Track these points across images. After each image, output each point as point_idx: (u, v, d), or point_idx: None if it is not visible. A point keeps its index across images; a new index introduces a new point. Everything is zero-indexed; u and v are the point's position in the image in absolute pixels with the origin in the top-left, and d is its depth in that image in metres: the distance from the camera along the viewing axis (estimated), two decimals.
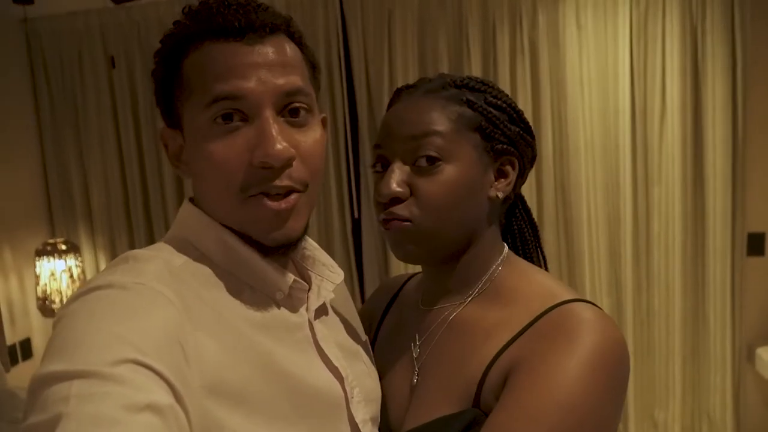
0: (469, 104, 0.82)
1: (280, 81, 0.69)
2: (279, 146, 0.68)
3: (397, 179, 0.80)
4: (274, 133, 0.68)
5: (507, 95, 0.87)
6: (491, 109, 0.83)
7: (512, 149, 0.85)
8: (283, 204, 0.71)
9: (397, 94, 0.89)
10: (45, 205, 2.95)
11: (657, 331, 2.60)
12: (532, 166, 0.91)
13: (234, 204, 0.71)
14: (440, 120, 0.80)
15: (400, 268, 2.72)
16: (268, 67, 0.69)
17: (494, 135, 0.83)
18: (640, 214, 2.60)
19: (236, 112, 0.69)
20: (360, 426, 0.77)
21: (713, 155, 2.48)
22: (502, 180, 0.85)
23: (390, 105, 0.90)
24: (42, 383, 0.53)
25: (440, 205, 0.79)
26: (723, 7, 2.41)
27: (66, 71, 2.86)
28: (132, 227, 2.93)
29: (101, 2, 2.69)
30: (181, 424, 0.56)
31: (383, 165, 0.85)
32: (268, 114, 0.69)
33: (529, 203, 0.95)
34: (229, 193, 0.70)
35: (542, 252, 0.96)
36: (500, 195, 0.85)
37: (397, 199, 0.81)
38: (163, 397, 0.55)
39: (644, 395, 2.65)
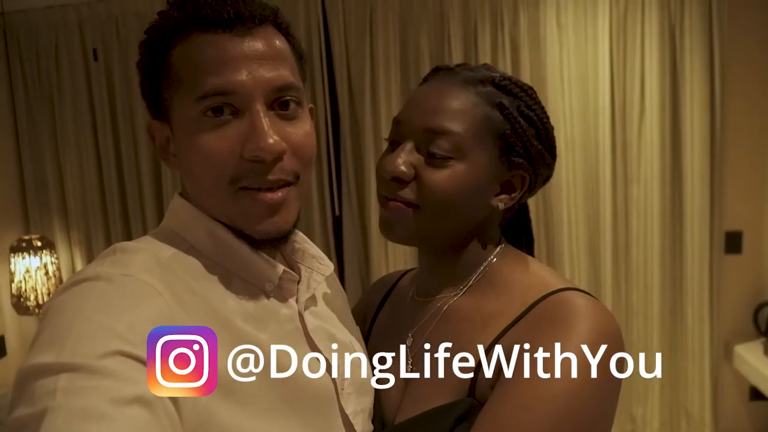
0: (501, 108, 0.80)
1: (271, 75, 0.69)
2: (270, 140, 0.68)
3: (404, 159, 0.80)
4: (266, 127, 0.68)
5: (543, 108, 0.84)
6: (521, 120, 0.81)
7: (527, 165, 0.83)
8: (275, 196, 0.71)
9: (435, 72, 0.87)
10: (20, 200, 2.90)
11: (635, 327, 2.62)
12: (544, 185, 0.89)
13: (224, 196, 0.71)
14: (464, 118, 0.79)
15: (381, 267, 2.71)
16: (258, 60, 0.69)
17: (515, 147, 0.81)
18: (619, 213, 2.62)
19: (227, 106, 0.69)
20: (351, 418, 0.77)
21: (691, 154, 2.51)
22: (508, 193, 0.84)
23: (425, 80, 0.87)
24: (29, 376, 0.53)
25: (442, 198, 0.79)
26: (701, 7, 2.44)
27: (42, 65, 2.81)
28: (108, 223, 2.89)
29: None
30: (170, 414, 0.55)
31: (395, 141, 0.84)
32: (259, 108, 0.69)
33: None
34: (219, 186, 0.70)
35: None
36: (501, 206, 0.83)
37: (398, 179, 0.80)
38: None
39: (623, 391, 2.65)
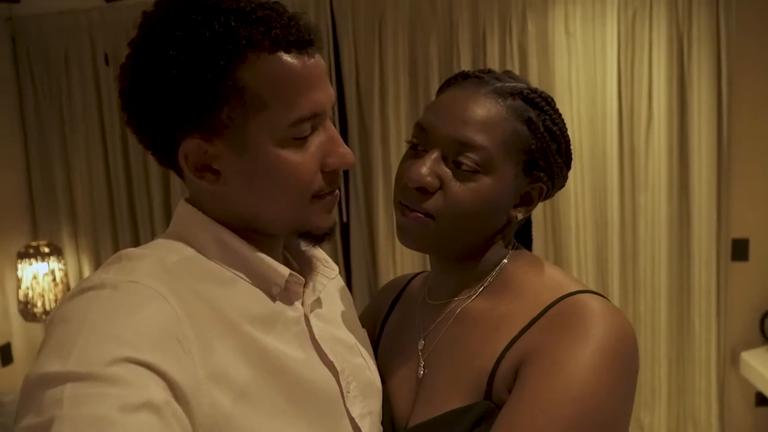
0: (529, 124, 0.80)
1: (331, 91, 0.75)
2: (347, 150, 0.75)
3: (431, 170, 0.79)
4: (340, 138, 0.75)
5: (563, 120, 0.85)
6: (546, 136, 0.81)
7: (548, 178, 0.84)
8: (335, 198, 0.78)
9: (463, 78, 0.85)
10: (28, 206, 2.90)
11: (643, 335, 2.62)
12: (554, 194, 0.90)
13: (303, 206, 0.74)
14: (494, 132, 0.78)
15: (388, 273, 2.72)
16: (325, 79, 0.74)
17: (538, 161, 0.82)
18: (627, 220, 2.63)
19: (312, 126, 0.72)
20: (358, 420, 0.77)
21: (698, 162, 2.52)
22: (527, 204, 0.85)
23: (449, 83, 0.86)
24: (35, 385, 0.53)
25: (466, 211, 0.79)
26: (708, 16, 2.45)
27: (52, 71, 2.82)
28: (116, 230, 2.89)
29: (89, 2, 2.66)
30: (180, 418, 0.55)
31: (417, 146, 0.83)
32: (329, 123, 0.75)
33: None
34: (302, 199, 0.73)
35: None
36: (519, 217, 0.84)
37: (423, 190, 0.79)
38: (160, 393, 0.54)
39: None
